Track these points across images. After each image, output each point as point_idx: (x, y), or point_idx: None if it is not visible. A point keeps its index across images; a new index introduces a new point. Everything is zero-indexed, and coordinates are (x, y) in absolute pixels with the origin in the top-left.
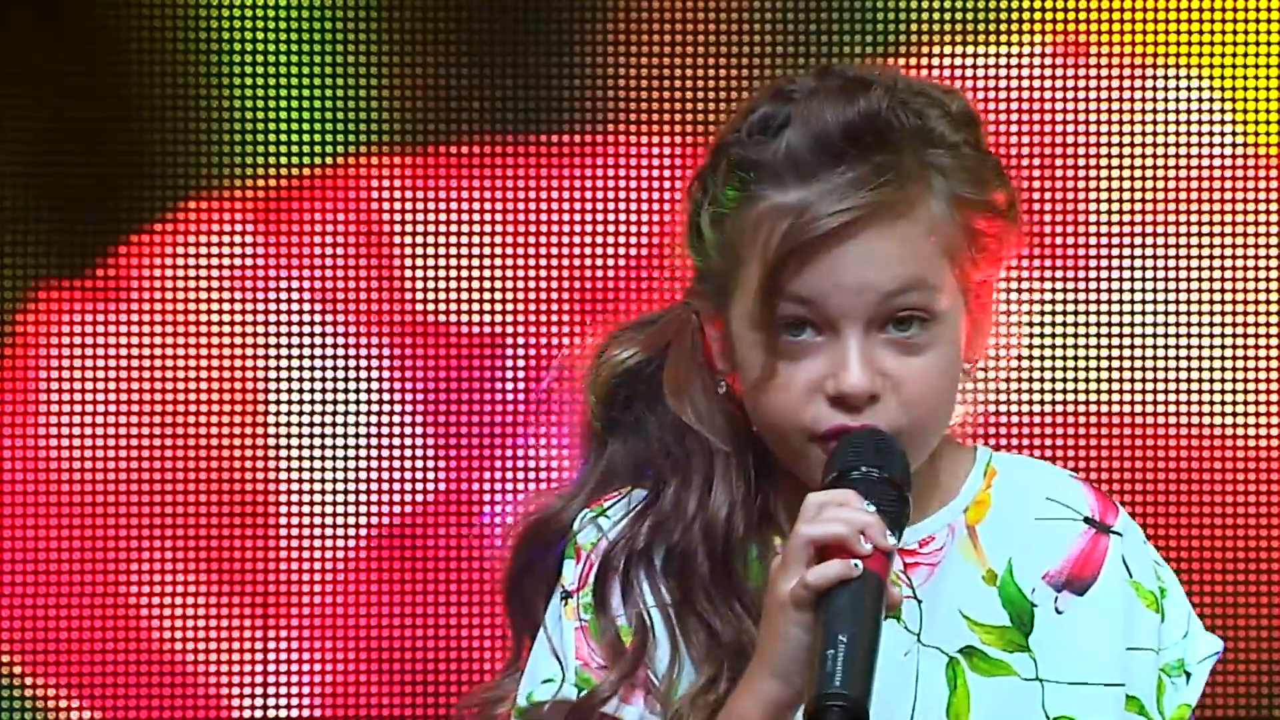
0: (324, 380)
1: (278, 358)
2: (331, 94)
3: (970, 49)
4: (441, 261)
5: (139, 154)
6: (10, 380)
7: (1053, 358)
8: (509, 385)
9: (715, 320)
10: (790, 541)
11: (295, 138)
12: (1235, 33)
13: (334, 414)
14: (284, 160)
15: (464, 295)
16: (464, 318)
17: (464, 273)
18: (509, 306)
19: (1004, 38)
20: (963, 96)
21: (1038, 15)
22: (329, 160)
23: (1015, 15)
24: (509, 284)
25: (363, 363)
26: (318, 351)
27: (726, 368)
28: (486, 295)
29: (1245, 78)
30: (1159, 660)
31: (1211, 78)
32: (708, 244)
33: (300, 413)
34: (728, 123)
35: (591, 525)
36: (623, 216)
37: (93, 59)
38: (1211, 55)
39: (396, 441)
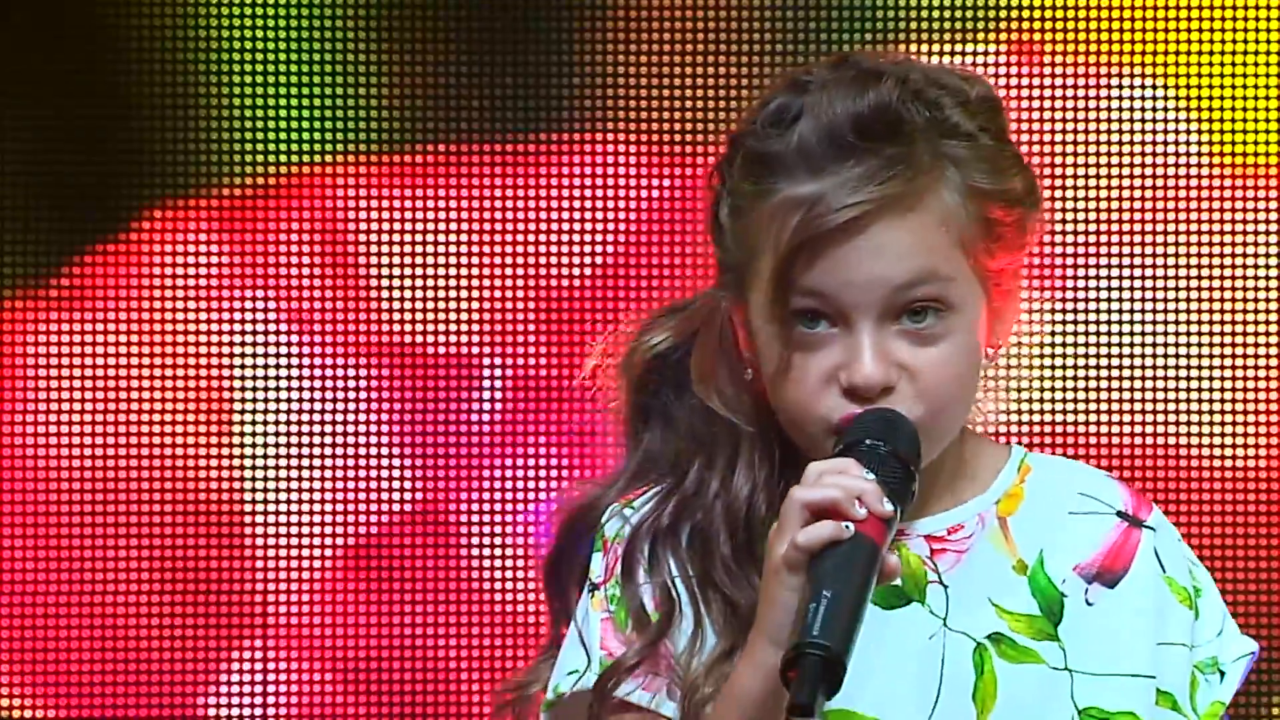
0: (299, 391)
1: (253, 367)
2: (329, 95)
3: (967, 46)
4: (431, 267)
5: (138, 152)
6: None
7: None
8: (489, 397)
9: (738, 309)
10: (785, 505)
11: (294, 136)
12: (1199, 39)
13: (326, 424)
14: (282, 160)
15: (448, 305)
16: (450, 327)
17: (452, 280)
18: (497, 315)
19: (962, 44)
20: (984, 82)
21: (996, 20)
22: (325, 160)
23: (973, 20)
24: (499, 290)
25: (342, 371)
26: (292, 361)
27: (750, 356)
28: (474, 305)
29: (1209, 85)
30: (1192, 657)
31: (1174, 85)
32: (726, 235)
33: (285, 423)
34: (745, 113)
35: (617, 517)
36: (620, 217)
37: (92, 58)
38: (1175, 61)
39: (374, 451)
